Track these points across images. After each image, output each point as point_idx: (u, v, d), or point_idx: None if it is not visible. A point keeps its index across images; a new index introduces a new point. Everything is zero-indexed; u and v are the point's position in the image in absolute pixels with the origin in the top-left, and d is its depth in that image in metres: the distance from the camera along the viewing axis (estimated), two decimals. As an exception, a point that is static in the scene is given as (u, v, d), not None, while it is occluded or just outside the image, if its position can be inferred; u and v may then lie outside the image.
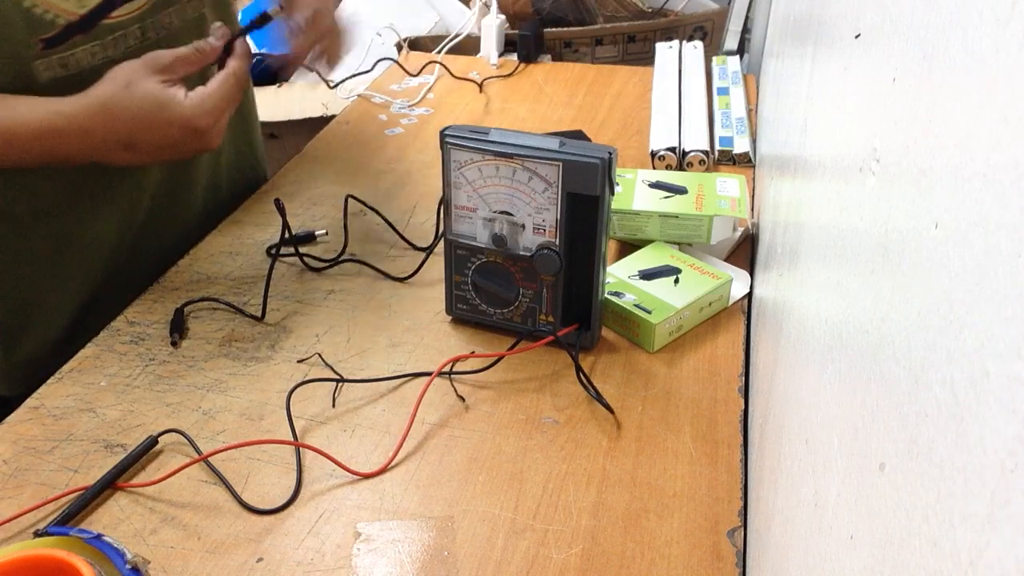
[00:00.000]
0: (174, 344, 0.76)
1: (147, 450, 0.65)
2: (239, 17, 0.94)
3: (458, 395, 0.71)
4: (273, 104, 1.41)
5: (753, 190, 1.03)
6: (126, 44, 0.79)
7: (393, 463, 0.65)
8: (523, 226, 0.72)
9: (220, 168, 1.00)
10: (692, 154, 1.05)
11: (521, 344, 0.75)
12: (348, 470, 0.63)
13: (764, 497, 0.55)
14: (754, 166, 1.08)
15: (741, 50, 1.46)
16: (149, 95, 0.72)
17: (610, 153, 0.68)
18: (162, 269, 0.88)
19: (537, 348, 0.75)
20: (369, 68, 1.35)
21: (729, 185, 0.89)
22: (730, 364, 0.75)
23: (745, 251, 0.91)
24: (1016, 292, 0.20)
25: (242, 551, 0.58)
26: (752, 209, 0.99)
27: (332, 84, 1.29)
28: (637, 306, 0.76)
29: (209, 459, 0.64)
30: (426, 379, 0.71)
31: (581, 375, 0.71)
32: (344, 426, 0.68)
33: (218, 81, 0.75)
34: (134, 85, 0.72)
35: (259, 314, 0.80)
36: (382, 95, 1.30)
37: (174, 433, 0.66)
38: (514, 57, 1.44)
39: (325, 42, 0.87)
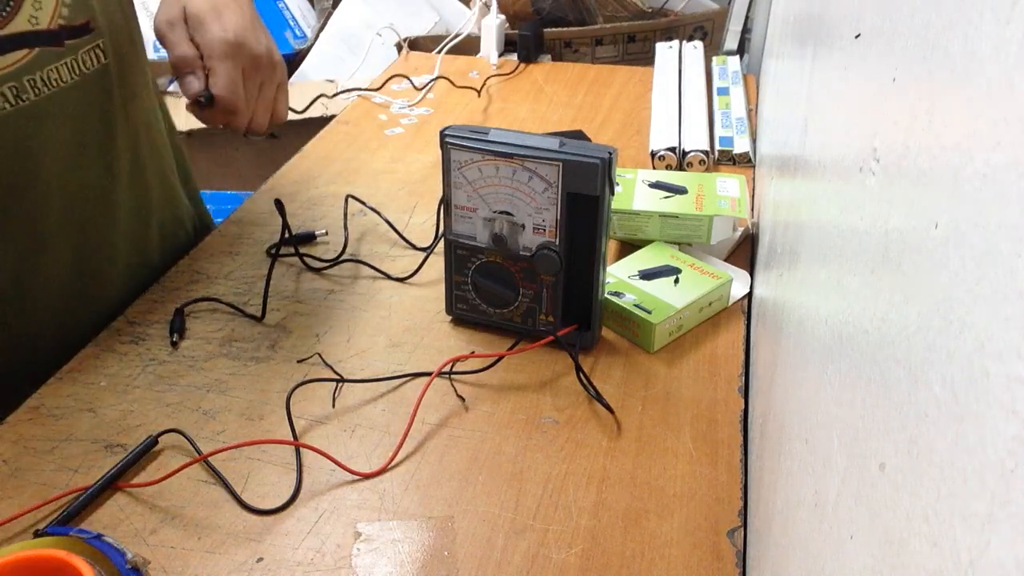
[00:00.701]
0: (174, 344, 0.76)
1: (147, 450, 0.65)
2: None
3: (458, 395, 0.71)
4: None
5: (753, 190, 1.03)
6: None
7: (393, 463, 0.65)
8: (523, 226, 0.72)
9: (150, 237, 0.88)
10: (692, 154, 1.05)
11: (521, 344, 0.75)
12: (348, 470, 0.63)
13: (764, 497, 0.55)
14: (754, 166, 1.08)
15: (741, 50, 1.46)
16: None
17: (610, 153, 0.68)
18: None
19: (537, 348, 0.75)
20: (379, 86, 1.34)
21: (729, 185, 0.89)
22: (730, 364, 0.75)
23: (745, 251, 0.91)
24: (1016, 292, 0.20)
25: (242, 551, 0.58)
26: (752, 209, 0.99)
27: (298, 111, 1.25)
28: (637, 306, 0.76)
29: (209, 459, 0.64)
30: (426, 379, 0.71)
31: (581, 375, 0.71)
32: (344, 426, 0.68)
33: None
34: None
35: (259, 314, 0.80)
36: (382, 95, 1.30)
37: (174, 433, 0.66)
38: (514, 57, 1.44)
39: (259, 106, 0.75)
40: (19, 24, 0.66)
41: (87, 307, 0.80)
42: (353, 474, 0.63)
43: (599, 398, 0.70)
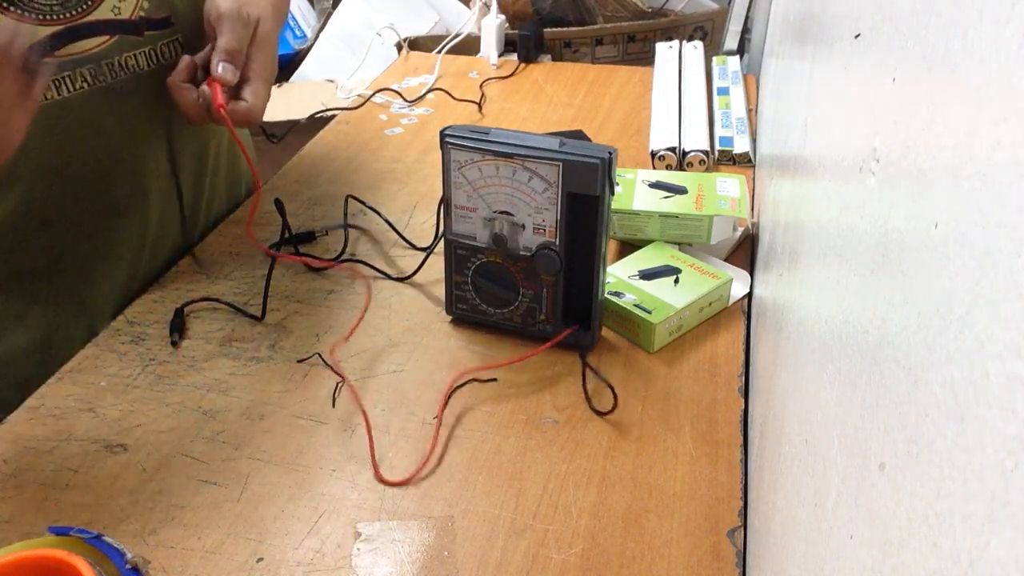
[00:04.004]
0: (174, 344, 0.76)
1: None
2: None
3: (445, 400, 0.71)
4: (273, 104, 1.40)
5: (753, 190, 1.03)
6: (72, 87, 0.72)
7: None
8: (523, 226, 0.72)
9: (200, 219, 0.95)
10: (692, 154, 1.05)
11: (527, 350, 0.75)
12: (384, 480, 0.63)
13: (764, 497, 0.55)
14: (754, 166, 1.08)
15: (741, 50, 1.46)
16: None
17: (610, 153, 0.68)
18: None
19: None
20: (359, 104, 1.33)
21: (729, 185, 0.89)
22: (730, 364, 0.75)
23: (745, 251, 0.91)
24: (1016, 292, 0.20)
25: (242, 551, 0.58)
26: (752, 209, 0.99)
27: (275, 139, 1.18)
28: (637, 306, 0.76)
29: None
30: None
31: (587, 367, 0.71)
32: (344, 426, 0.68)
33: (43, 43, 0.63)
34: None
35: (259, 314, 0.80)
36: (382, 95, 1.30)
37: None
38: (514, 57, 1.44)
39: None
40: (102, 12, 0.73)
41: (144, 276, 0.86)
42: (385, 483, 0.63)
43: (608, 385, 0.70)
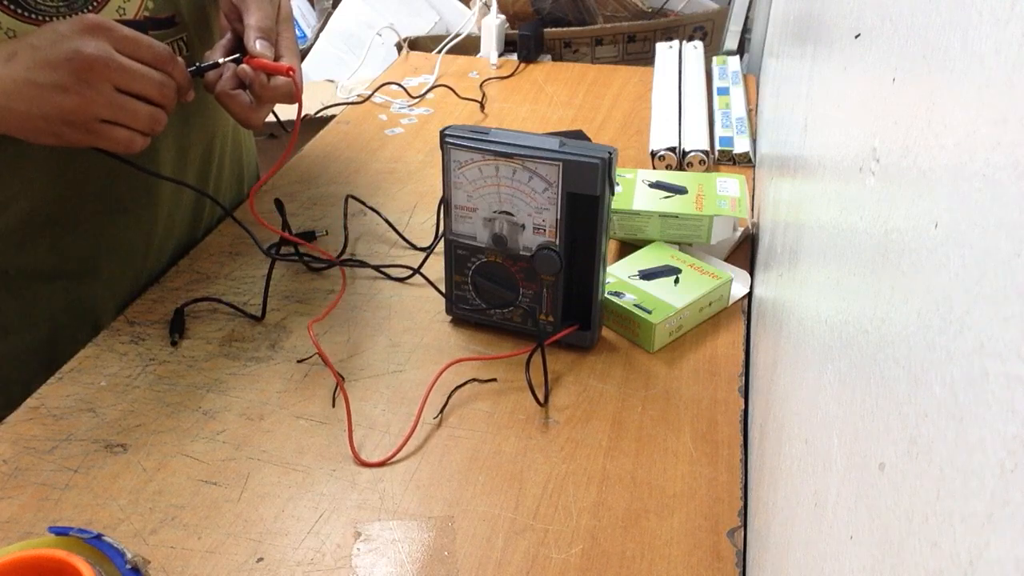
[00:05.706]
0: (174, 344, 0.76)
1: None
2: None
3: (444, 406, 0.71)
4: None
5: (753, 190, 1.03)
6: None
7: (398, 456, 0.65)
8: (523, 226, 0.72)
9: (204, 221, 0.96)
10: (692, 154, 1.05)
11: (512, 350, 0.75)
12: (362, 462, 0.63)
13: (764, 497, 0.55)
14: (754, 166, 1.08)
15: (741, 50, 1.46)
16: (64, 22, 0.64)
17: (610, 153, 0.68)
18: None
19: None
20: (365, 97, 1.34)
21: (729, 185, 0.89)
22: (730, 364, 0.75)
23: (745, 251, 0.91)
24: (1016, 292, 0.20)
25: (242, 551, 0.58)
26: (752, 209, 0.99)
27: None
28: (637, 306, 0.76)
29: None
30: (432, 377, 0.71)
31: (532, 363, 0.71)
32: (344, 426, 0.68)
33: (150, 43, 0.67)
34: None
35: (259, 314, 0.80)
36: (382, 95, 1.30)
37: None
38: (514, 57, 1.44)
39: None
40: (107, 13, 0.73)
41: (151, 275, 0.87)
42: (363, 464, 0.63)
43: (533, 392, 0.70)
